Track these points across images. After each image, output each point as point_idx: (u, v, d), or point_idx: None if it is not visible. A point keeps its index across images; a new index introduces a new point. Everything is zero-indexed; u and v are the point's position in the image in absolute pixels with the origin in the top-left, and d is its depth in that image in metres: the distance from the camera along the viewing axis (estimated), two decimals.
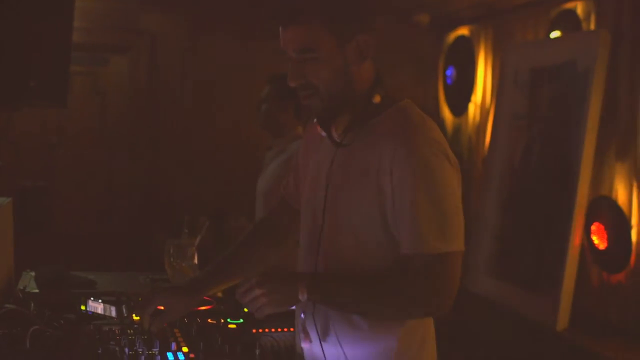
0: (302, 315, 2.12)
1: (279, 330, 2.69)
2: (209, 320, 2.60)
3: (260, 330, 2.63)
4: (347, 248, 2.05)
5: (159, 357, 2.14)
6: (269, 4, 2.08)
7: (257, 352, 2.24)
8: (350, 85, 2.02)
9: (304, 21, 1.97)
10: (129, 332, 2.35)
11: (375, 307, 2.02)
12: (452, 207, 1.99)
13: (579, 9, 4.17)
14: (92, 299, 2.65)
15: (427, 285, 1.97)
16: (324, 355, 2.08)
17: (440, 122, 5.64)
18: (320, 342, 2.08)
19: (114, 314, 2.60)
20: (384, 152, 1.98)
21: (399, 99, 2.08)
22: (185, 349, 2.23)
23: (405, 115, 2.03)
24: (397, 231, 1.98)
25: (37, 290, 2.94)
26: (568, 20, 4.25)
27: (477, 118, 5.28)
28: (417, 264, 1.96)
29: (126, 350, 2.14)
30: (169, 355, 2.16)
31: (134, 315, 2.54)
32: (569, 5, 4.26)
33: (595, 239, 3.85)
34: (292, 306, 2.04)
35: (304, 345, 2.15)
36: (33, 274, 3.15)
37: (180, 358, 2.16)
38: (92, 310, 2.58)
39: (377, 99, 2.03)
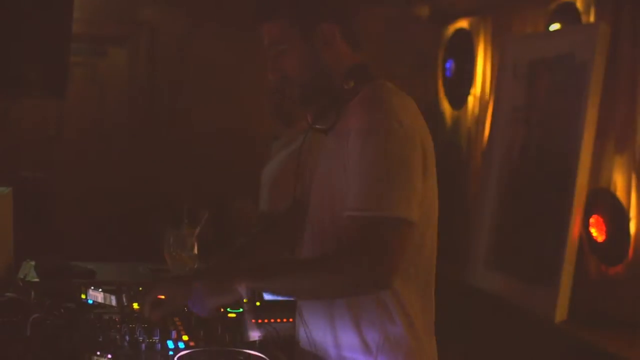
0: (244, 307, 2.13)
1: (279, 320, 2.69)
2: None
3: (260, 321, 2.63)
4: (327, 226, 2.08)
5: (159, 345, 2.14)
6: None
7: (257, 341, 2.24)
8: (323, 73, 2.11)
9: (268, 17, 2.11)
10: (129, 320, 2.35)
11: (310, 280, 1.98)
12: (395, 173, 1.93)
13: (579, 2, 4.17)
14: (92, 288, 2.66)
15: (355, 248, 1.92)
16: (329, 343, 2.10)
17: (440, 115, 5.64)
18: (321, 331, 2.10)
19: (114, 302, 2.60)
20: (349, 126, 2.02)
21: (373, 80, 2.11)
22: (185, 338, 2.23)
23: (373, 90, 2.06)
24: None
25: (37, 280, 2.94)
26: (567, 13, 4.26)
27: (476, 111, 5.28)
28: (349, 226, 1.94)
29: (126, 338, 2.15)
30: (169, 343, 2.17)
31: (134, 304, 2.54)
32: None
33: (593, 231, 3.86)
34: (233, 299, 2.05)
35: (254, 337, 2.16)
36: (33, 263, 3.14)
37: (180, 346, 2.16)
38: (93, 299, 2.58)
39: (349, 84, 2.09)
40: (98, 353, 1.99)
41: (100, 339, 2.15)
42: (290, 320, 2.48)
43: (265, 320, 2.64)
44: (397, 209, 1.91)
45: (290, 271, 2.03)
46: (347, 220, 1.95)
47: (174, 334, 2.23)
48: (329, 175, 2.10)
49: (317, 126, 2.16)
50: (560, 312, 3.82)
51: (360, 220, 1.92)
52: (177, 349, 2.13)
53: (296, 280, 2.01)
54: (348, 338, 2.09)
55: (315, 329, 2.16)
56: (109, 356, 1.97)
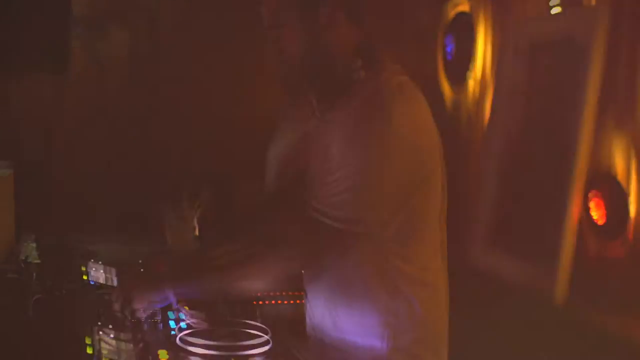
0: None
1: (279, 302, 2.70)
2: None
3: (261, 303, 2.64)
4: None
5: (161, 325, 2.15)
6: None
7: (259, 321, 2.26)
8: (326, 55, 2.09)
9: None
10: None
11: (234, 282, 2.07)
12: (363, 187, 1.95)
13: None
14: (92, 261, 2.67)
15: (292, 242, 2.02)
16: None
17: (440, 96, 5.63)
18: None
19: (115, 283, 2.62)
20: (346, 122, 2.00)
21: (383, 70, 2.08)
22: None
23: (378, 91, 2.04)
24: None
25: (38, 261, 2.95)
26: None
27: (477, 92, 5.27)
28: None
29: (129, 318, 2.16)
30: (172, 323, 2.18)
31: None
32: None
33: (593, 213, 3.86)
34: (162, 304, 2.06)
35: None
36: (34, 244, 3.16)
37: (182, 327, 2.17)
38: (94, 280, 2.60)
39: (359, 71, 2.06)
40: (100, 333, 2.01)
41: (103, 319, 2.16)
42: (297, 302, 2.49)
43: (272, 302, 2.65)
44: (349, 222, 1.94)
45: (213, 274, 2.07)
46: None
47: (175, 315, 2.24)
48: (324, 162, 2.09)
49: (325, 117, 2.13)
50: (560, 293, 3.83)
51: (310, 219, 1.97)
52: (179, 329, 2.14)
53: (217, 283, 2.07)
54: (350, 322, 2.09)
55: (317, 312, 2.17)
56: (112, 336, 1.99)
